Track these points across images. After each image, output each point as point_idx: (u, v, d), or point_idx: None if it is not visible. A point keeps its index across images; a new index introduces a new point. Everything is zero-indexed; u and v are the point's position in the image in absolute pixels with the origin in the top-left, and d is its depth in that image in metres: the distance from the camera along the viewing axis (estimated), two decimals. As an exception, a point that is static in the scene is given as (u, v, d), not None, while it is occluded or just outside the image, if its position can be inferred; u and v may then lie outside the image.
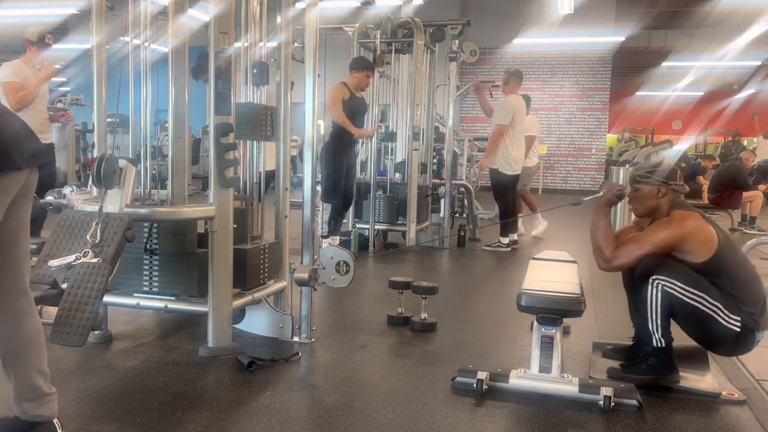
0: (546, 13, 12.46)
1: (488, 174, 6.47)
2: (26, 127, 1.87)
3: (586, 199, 3.06)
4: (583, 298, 2.60)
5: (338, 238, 5.50)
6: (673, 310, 2.61)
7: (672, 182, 2.80)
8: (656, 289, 2.60)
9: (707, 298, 2.57)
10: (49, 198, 3.01)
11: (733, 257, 2.69)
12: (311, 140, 3.20)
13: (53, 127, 5.93)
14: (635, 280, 2.73)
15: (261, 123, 3.02)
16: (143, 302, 3.06)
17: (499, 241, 6.41)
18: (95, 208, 2.52)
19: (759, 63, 15.89)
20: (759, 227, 8.51)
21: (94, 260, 2.38)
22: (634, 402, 2.47)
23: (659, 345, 2.64)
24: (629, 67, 17.50)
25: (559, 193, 14.16)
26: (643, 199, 2.85)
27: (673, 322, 2.67)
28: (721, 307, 2.57)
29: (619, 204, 6.37)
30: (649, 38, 15.57)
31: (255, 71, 3.23)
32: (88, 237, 2.41)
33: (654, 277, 2.61)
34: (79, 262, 2.36)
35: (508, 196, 6.44)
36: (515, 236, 6.56)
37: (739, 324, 2.56)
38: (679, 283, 2.58)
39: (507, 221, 6.40)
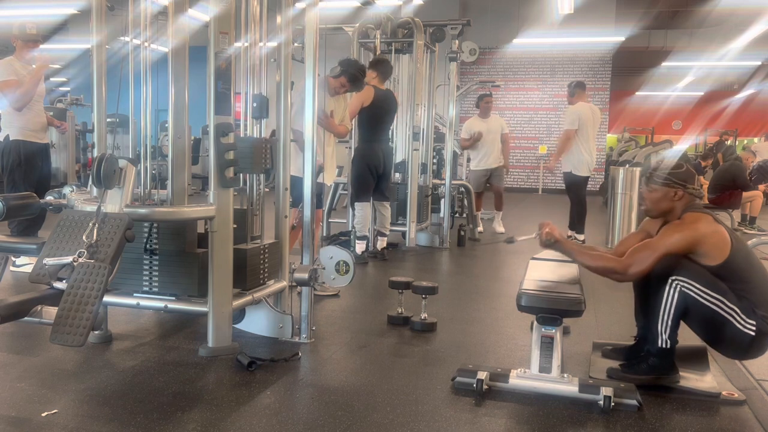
0: (546, 13, 12.47)
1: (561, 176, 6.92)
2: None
3: (519, 239, 3.11)
4: (583, 298, 2.60)
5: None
6: (688, 311, 2.59)
7: (690, 186, 2.76)
8: (674, 289, 2.57)
9: (725, 301, 2.55)
10: (48, 198, 3.01)
11: (746, 260, 2.66)
12: (311, 140, 3.21)
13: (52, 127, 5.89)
14: (651, 280, 2.68)
15: (260, 157, 3.09)
16: (143, 302, 3.05)
17: (575, 237, 6.73)
18: (95, 207, 2.52)
19: (759, 63, 15.89)
20: (759, 227, 8.51)
21: (90, 261, 2.38)
22: (634, 402, 2.47)
23: (664, 346, 2.63)
24: (629, 67, 17.50)
25: (560, 193, 14.14)
26: (657, 201, 2.80)
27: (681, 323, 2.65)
28: (737, 310, 2.54)
29: (617, 207, 6.56)
30: (649, 38, 15.56)
31: (255, 104, 3.27)
32: (84, 237, 2.41)
33: (673, 277, 2.58)
34: (77, 263, 2.36)
35: (582, 196, 6.79)
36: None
37: (754, 328, 2.54)
38: (698, 285, 2.56)
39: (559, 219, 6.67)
